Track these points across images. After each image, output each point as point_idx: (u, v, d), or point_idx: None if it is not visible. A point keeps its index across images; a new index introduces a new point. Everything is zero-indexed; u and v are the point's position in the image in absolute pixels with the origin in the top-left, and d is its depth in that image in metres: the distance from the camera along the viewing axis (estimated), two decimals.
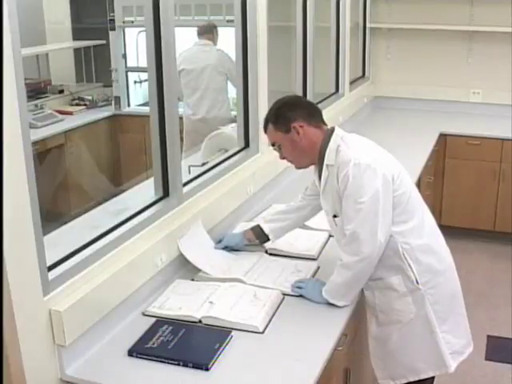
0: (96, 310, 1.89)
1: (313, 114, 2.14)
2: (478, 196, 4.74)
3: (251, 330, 1.96)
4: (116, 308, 1.98)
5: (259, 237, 2.49)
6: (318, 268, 2.38)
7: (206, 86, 4.48)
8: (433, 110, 5.21)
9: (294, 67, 3.99)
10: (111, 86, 5.35)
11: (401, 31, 5.23)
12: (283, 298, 2.16)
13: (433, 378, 2.22)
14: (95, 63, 5.57)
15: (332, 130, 2.12)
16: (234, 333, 1.93)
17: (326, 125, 2.17)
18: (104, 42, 5.28)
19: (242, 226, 2.68)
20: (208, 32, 4.53)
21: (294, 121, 2.08)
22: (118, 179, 4.95)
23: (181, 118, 2.44)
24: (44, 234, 1.71)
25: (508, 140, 4.56)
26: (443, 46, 5.15)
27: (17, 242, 1.59)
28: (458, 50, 5.12)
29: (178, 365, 1.79)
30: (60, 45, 5.44)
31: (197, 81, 4.48)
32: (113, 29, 5.19)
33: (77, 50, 5.53)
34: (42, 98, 5.09)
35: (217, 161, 2.94)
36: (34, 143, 2.00)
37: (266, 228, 2.46)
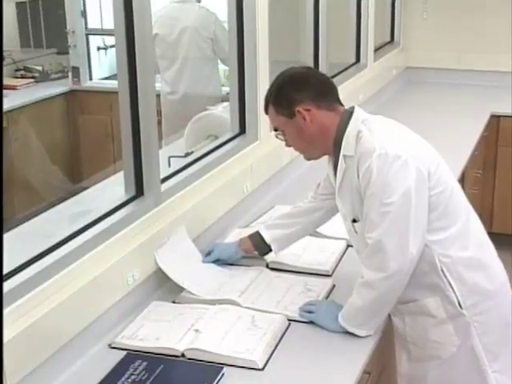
0: (49, 341, 1.90)
1: (324, 92, 2.15)
2: None
3: (248, 365, 1.98)
4: (75, 339, 2.00)
5: (258, 247, 2.51)
6: (334, 287, 2.40)
7: (185, 56, 4.47)
8: (482, 84, 5.19)
9: (304, 30, 4.01)
10: (67, 53, 5.36)
11: None
12: (289, 325, 2.18)
13: None
14: (45, 23, 5.56)
15: (351, 112, 2.14)
16: (226, 370, 1.95)
17: (342, 105, 2.18)
18: None
19: (237, 234, 2.70)
20: None
21: (299, 103, 2.10)
22: (77, 173, 4.96)
23: (158, 96, 2.46)
24: None
25: None
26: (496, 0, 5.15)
27: None
28: None
29: None
30: None
31: (174, 49, 4.47)
32: None
33: (20, 5, 5.52)
34: None
35: (204, 150, 2.95)
36: None
37: (268, 236, 2.48)
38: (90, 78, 5.44)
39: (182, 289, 2.36)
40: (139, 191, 2.42)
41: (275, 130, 2.21)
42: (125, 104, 2.34)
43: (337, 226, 2.45)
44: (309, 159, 2.27)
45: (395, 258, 2.00)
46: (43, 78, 5.36)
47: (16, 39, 5.57)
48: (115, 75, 2.44)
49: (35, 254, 2.00)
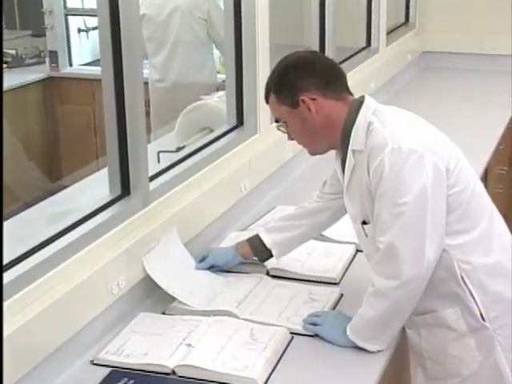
0: (25, 357, 1.90)
1: (332, 79, 2.16)
2: None
3: None
4: (54, 354, 2.00)
5: (258, 252, 2.51)
6: (341, 296, 2.41)
7: (176, 39, 4.48)
8: (507, 70, 5.16)
9: (308, 11, 4.01)
10: (44, 35, 5.36)
11: None
12: (291, 339, 2.19)
13: None
14: (19, 1, 5.56)
15: (361, 102, 2.15)
16: None
17: (351, 94, 2.19)
18: None
19: (235, 238, 2.71)
20: None
21: (304, 91, 2.11)
22: (56, 170, 4.96)
23: (146, 84, 2.46)
24: None
25: None
26: None
27: None
28: None
29: None
30: None
31: (164, 31, 4.48)
32: None
33: None
34: None
35: (198, 145, 2.96)
36: None
37: (268, 240, 2.49)
38: (70, 64, 5.43)
39: (172, 298, 2.36)
40: (125, 190, 2.42)
41: (276, 121, 2.22)
42: (109, 93, 2.34)
43: (345, 228, 2.46)
44: (313, 154, 2.28)
45: (410, 264, 2.01)
46: (17, 63, 5.36)
47: None
48: (98, 60, 2.44)
49: (8, 260, 1.98)
